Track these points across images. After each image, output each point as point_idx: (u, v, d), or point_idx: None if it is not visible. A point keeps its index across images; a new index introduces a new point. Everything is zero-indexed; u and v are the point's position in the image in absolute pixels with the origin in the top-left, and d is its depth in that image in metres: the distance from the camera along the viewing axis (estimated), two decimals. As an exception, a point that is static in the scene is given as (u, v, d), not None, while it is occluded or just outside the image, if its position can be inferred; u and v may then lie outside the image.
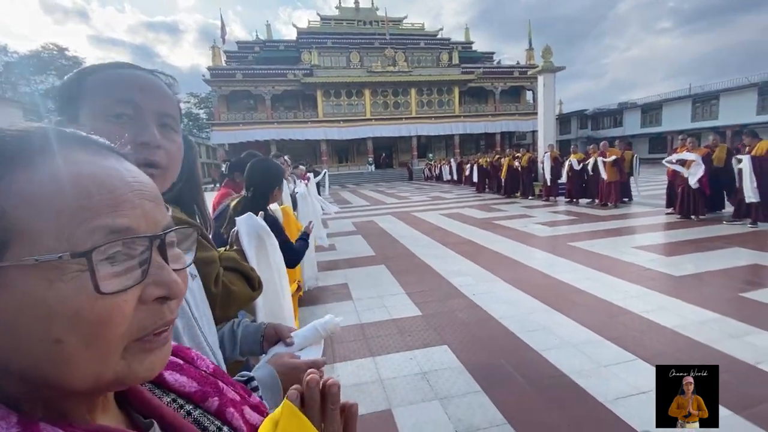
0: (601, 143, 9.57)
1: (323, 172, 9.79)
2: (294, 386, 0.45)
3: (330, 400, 0.44)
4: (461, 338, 2.99)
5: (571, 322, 3.14)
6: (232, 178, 2.86)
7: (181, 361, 0.46)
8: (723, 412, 1.96)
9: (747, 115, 25.92)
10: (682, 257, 4.77)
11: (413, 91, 32.08)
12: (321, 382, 0.45)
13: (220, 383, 0.48)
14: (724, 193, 7.17)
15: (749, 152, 6.24)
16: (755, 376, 2.26)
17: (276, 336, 0.88)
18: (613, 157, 8.83)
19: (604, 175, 8.91)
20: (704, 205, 7.03)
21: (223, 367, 0.77)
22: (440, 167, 24.45)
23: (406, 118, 31.85)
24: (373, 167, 31.94)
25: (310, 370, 0.53)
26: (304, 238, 2.16)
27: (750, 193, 6.00)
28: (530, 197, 11.92)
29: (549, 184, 10.94)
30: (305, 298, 4.00)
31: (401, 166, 33.48)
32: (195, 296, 0.75)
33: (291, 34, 35.78)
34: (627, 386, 2.24)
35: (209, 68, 28.91)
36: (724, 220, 6.68)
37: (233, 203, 1.89)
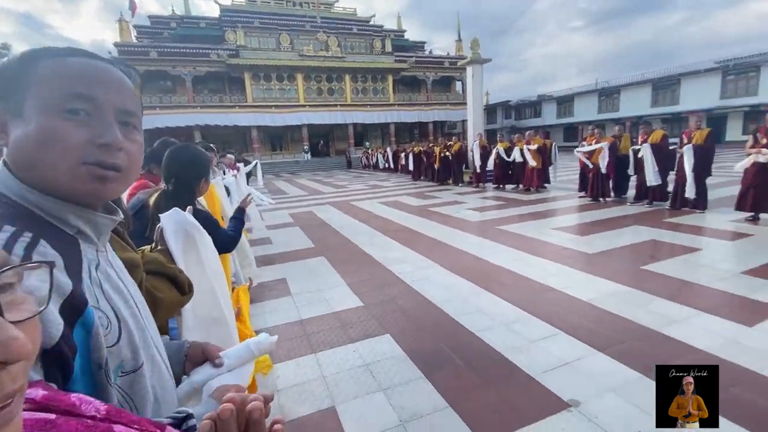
0: (527, 133, 10.28)
1: (255, 162, 9.23)
2: (208, 415, 0.42)
3: (253, 429, 0.41)
4: (403, 326, 3.02)
5: (503, 302, 3.34)
6: (149, 170, 2.54)
7: (54, 415, 0.36)
8: (633, 374, 2.22)
9: (643, 107, 29.77)
10: (594, 236, 5.33)
11: (348, 78, 31.57)
12: (241, 409, 0.42)
13: (116, 427, 0.38)
14: (630, 177, 8.10)
15: (643, 141, 7.13)
16: (660, 341, 2.59)
17: (202, 356, 0.79)
18: (536, 146, 9.55)
19: (532, 162, 9.60)
20: (611, 189, 7.93)
21: (172, 381, 0.69)
22: (377, 155, 24.57)
23: (341, 105, 31.31)
24: (309, 155, 31.06)
25: (226, 398, 0.48)
26: (238, 216, 1.98)
27: (651, 177, 6.86)
28: (460, 184, 12.50)
29: (478, 171, 11.54)
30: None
31: (339, 154, 33.04)
32: (143, 302, 0.67)
33: (212, 11, 33.06)
34: (553, 359, 2.43)
35: (116, 44, 25.57)
36: (628, 201, 7.60)
37: (152, 198, 1.66)
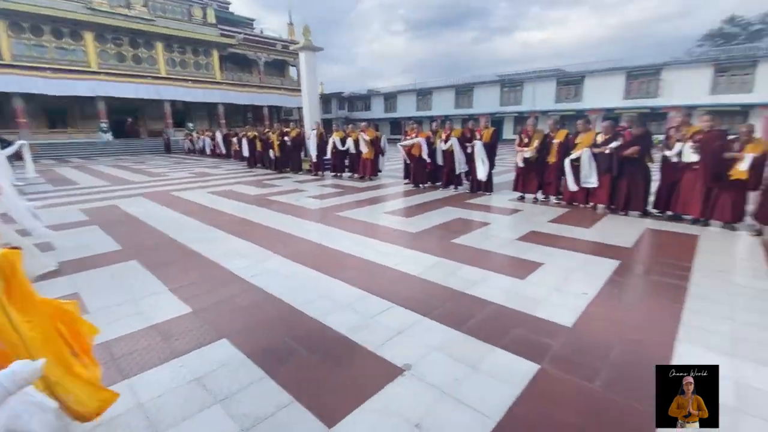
0: (362, 124, 10.87)
1: (19, 142, 6.83)
2: None
3: None
4: (242, 326, 2.79)
5: (344, 285, 3.47)
6: None
7: None
8: (450, 332, 2.63)
9: (448, 108, 35.68)
10: (416, 217, 6.10)
11: (160, 46, 26.74)
12: None
13: None
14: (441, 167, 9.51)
15: (447, 136, 8.53)
16: (465, 300, 3.16)
17: None
18: (369, 138, 10.22)
19: (364, 150, 10.21)
20: (428, 177, 9.22)
21: None
22: (204, 139, 21.87)
23: (153, 77, 26.35)
24: (110, 136, 25.13)
25: None
26: None
27: (463, 166, 8.29)
28: (300, 172, 12.40)
29: (316, 159, 11.65)
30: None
31: (154, 135, 27.91)
32: None
33: None
34: (389, 330, 2.67)
35: None
36: (440, 187, 8.97)
37: None
